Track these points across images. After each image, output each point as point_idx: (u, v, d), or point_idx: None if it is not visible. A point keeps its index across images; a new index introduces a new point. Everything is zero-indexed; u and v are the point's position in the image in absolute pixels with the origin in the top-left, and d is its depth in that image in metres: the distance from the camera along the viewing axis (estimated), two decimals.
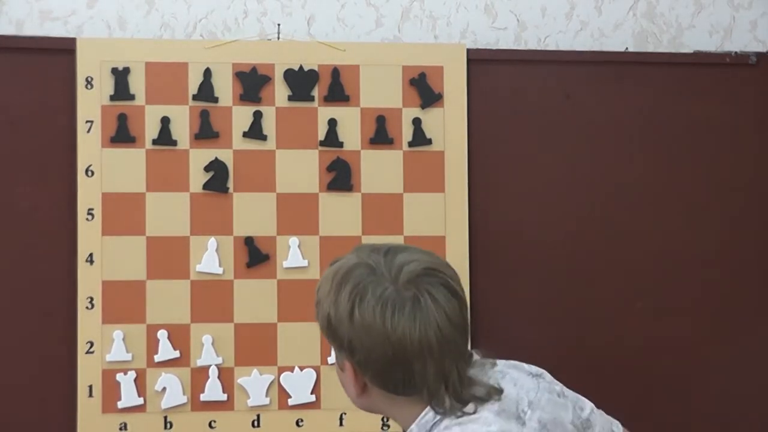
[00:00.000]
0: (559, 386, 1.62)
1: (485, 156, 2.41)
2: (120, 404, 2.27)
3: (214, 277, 2.32)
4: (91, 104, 2.30)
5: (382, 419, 2.34)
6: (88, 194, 2.29)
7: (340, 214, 2.36)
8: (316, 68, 2.37)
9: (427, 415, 1.50)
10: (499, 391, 1.52)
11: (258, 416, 2.32)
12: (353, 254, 1.54)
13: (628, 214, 2.46)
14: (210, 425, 2.30)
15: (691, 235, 2.49)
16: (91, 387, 2.27)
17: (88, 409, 2.26)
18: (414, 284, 1.47)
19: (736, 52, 2.52)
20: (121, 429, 2.27)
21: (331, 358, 2.24)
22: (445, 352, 1.46)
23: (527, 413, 1.55)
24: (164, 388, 2.29)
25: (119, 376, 2.27)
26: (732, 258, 2.49)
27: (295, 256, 2.34)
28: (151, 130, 2.32)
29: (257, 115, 2.35)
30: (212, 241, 2.32)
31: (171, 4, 2.45)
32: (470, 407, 1.48)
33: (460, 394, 1.48)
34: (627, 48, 2.56)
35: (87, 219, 2.29)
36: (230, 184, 2.33)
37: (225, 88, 2.34)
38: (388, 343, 1.44)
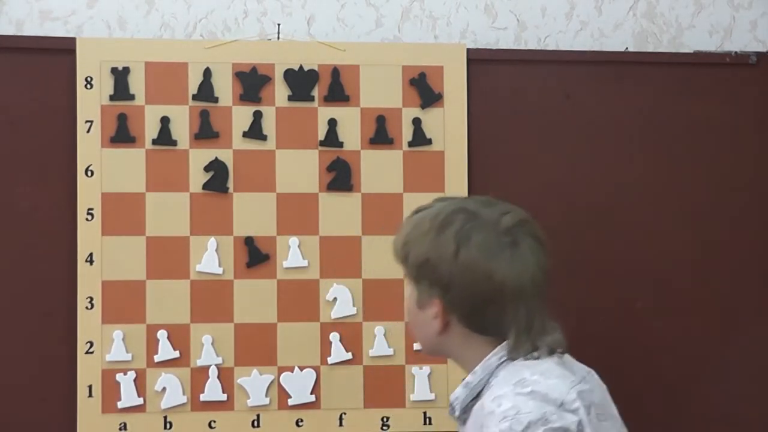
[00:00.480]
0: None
1: (485, 156, 2.41)
2: (120, 404, 2.27)
3: (214, 277, 2.32)
4: (91, 104, 2.30)
5: (382, 419, 2.34)
6: (88, 194, 2.29)
7: (340, 214, 2.36)
8: (316, 68, 2.37)
9: (493, 358, 1.60)
10: (564, 348, 1.64)
11: (258, 416, 2.32)
12: (444, 202, 1.67)
13: (628, 214, 2.46)
14: (210, 425, 2.30)
15: (691, 235, 2.49)
16: (90, 387, 2.27)
17: (87, 409, 2.26)
18: (511, 233, 1.60)
19: (736, 52, 2.51)
20: (120, 429, 2.27)
21: (407, 296, 2.29)
22: (535, 297, 1.60)
23: (586, 375, 1.65)
24: (164, 388, 2.29)
25: (119, 376, 2.27)
26: (732, 258, 2.49)
27: (295, 256, 2.34)
28: (151, 130, 2.32)
29: (257, 115, 2.35)
30: (212, 241, 2.32)
31: (171, 4, 2.45)
32: (535, 354, 1.60)
33: (537, 339, 1.60)
34: (627, 48, 2.56)
35: (87, 219, 2.29)
36: (230, 184, 2.33)
37: (225, 88, 2.34)
38: (489, 283, 1.57)
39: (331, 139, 2.37)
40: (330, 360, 2.33)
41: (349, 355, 2.34)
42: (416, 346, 1.71)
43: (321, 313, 2.34)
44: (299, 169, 2.36)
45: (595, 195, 2.46)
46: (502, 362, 1.61)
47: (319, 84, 2.37)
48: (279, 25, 2.45)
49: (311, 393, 2.33)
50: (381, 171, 2.38)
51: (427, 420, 2.36)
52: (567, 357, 1.69)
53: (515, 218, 1.63)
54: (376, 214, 2.37)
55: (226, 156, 2.34)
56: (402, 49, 2.42)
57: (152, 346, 2.29)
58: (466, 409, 1.62)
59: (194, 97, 2.33)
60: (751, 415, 2.49)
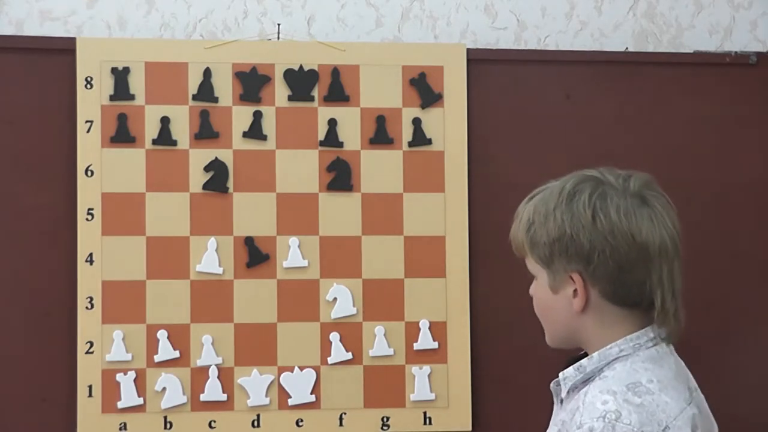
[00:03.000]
0: None
1: (485, 156, 2.41)
2: (120, 404, 2.27)
3: (214, 277, 2.32)
4: (91, 104, 2.30)
5: (382, 419, 2.34)
6: (88, 194, 2.29)
7: (340, 214, 2.36)
8: (316, 68, 2.37)
9: (614, 348, 1.56)
10: (678, 334, 1.60)
11: (258, 416, 2.32)
12: (560, 180, 1.64)
13: None
14: (210, 425, 2.30)
15: (691, 234, 2.47)
16: (90, 387, 2.27)
17: (88, 409, 2.26)
18: (640, 195, 1.59)
19: (736, 52, 2.51)
20: (120, 429, 2.27)
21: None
22: (675, 256, 1.58)
23: (694, 391, 1.61)
24: (164, 388, 2.29)
25: (119, 376, 2.27)
26: (732, 258, 2.49)
27: (295, 256, 2.34)
28: (151, 130, 2.32)
29: (257, 115, 2.35)
30: (212, 241, 2.32)
31: (171, 4, 2.45)
32: (662, 336, 1.58)
33: (679, 305, 1.57)
34: (627, 48, 2.56)
35: (87, 219, 2.29)
36: (230, 184, 2.33)
37: (225, 88, 2.34)
38: (633, 244, 1.54)
39: (331, 139, 2.37)
40: (330, 360, 2.33)
41: (349, 355, 2.34)
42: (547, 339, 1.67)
43: (321, 313, 2.34)
44: (299, 169, 2.36)
45: None
46: (622, 355, 1.57)
47: (319, 84, 2.37)
48: (279, 25, 2.45)
49: (311, 393, 2.33)
50: (381, 171, 2.38)
51: (427, 420, 2.36)
52: (676, 357, 1.67)
53: (641, 180, 1.63)
54: (376, 214, 2.37)
55: (226, 156, 2.34)
56: (402, 49, 2.42)
57: (152, 346, 2.29)
58: (570, 391, 1.59)
59: (194, 97, 2.33)
60: (752, 415, 2.49)
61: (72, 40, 2.31)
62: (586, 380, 1.57)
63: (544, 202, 1.63)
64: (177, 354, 2.29)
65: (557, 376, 1.63)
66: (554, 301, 1.62)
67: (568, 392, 1.59)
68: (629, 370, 1.55)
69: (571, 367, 1.61)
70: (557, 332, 1.67)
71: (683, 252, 2.44)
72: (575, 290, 1.57)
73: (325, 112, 2.37)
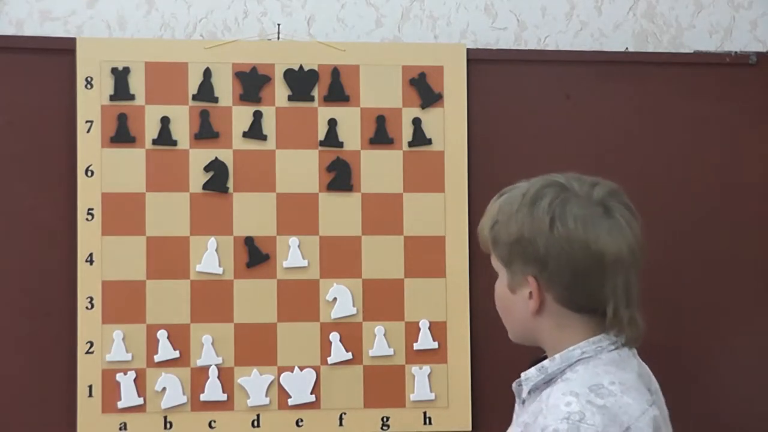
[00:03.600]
0: None
1: (485, 156, 2.41)
2: (120, 404, 2.27)
3: (214, 277, 2.32)
4: (91, 104, 2.30)
5: (382, 419, 2.34)
6: (88, 194, 2.29)
7: (340, 214, 2.36)
8: (316, 68, 2.37)
9: (576, 350, 1.57)
10: (639, 339, 1.60)
11: (258, 416, 2.32)
12: (529, 182, 1.64)
13: None
14: (210, 425, 2.30)
15: (691, 235, 2.49)
16: (91, 387, 2.27)
17: (88, 409, 2.26)
18: (603, 203, 1.58)
19: (736, 52, 2.51)
20: (121, 429, 2.27)
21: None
22: (632, 266, 1.56)
23: (654, 393, 1.63)
24: (164, 388, 2.29)
25: (119, 376, 2.27)
26: (732, 258, 2.49)
27: (295, 256, 2.34)
28: (151, 130, 2.32)
29: (257, 115, 2.35)
30: (212, 241, 2.32)
31: (171, 4, 2.45)
32: (621, 341, 1.58)
33: (635, 313, 1.57)
34: (627, 48, 2.56)
35: (87, 219, 2.29)
36: (230, 184, 2.33)
37: (225, 88, 2.34)
38: (587, 254, 1.54)
39: (331, 139, 2.37)
40: (330, 360, 2.33)
41: (349, 355, 2.34)
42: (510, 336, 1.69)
43: (321, 313, 2.34)
44: (299, 169, 2.36)
45: None
46: (584, 357, 1.58)
47: (319, 84, 2.37)
48: (279, 25, 2.45)
49: (311, 393, 2.33)
50: (381, 171, 2.38)
51: (427, 420, 2.36)
52: (638, 360, 1.68)
53: (606, 189, 1.62)
54: (376, 214, 2.37)
55: (226, 156, 2.34)
56: (402, 49, 2.42)
57: (152, 346, 2.29)
58: (532, 392, 1.60)
59: (194, 97, 2.33)
60: (752, 415, 2.49)
61: (72, 40, 2.31)
62: (548, 381, 1.58)
63: (509, 203, 1.63)
64: (177, 354, 2.29)
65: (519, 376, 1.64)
66: (512, 300, 1.64)
67: (529, 393, 1.60)
68: (591, 372, 1.55)
69: (533, 368, 1.62)
70: (515, 330, 1.69)
71: (683, 254, 2.46)
72: (531, 292, 1.58)
73: (325, 112, 2.37)
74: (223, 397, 2.30)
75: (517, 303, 1.62)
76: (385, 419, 2.34)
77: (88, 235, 2.29)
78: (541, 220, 1.57)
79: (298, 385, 2.33)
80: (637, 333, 1.59)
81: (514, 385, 1.67)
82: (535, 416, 1.53)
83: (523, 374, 1.64)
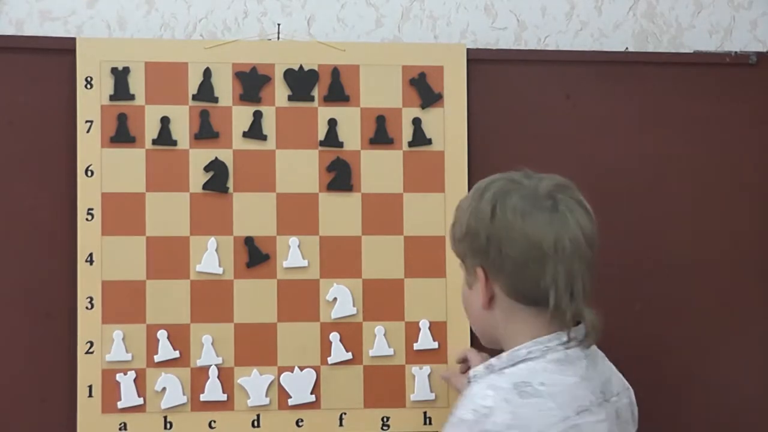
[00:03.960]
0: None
1: (485, 156, 2.41)
2: (120, 404, 2.27)
3: (213, 277, 2.32)
4: (90, 104, 2.30)
5: (382, 419, 2.34)
6: (88, 194, 2.29)
7: (340, 214, 2.36)
8: (316, 68, 2.37)
9: (522, 350, 1.59)
10: (594, 338, 1.62)
11: (258, 416, 2.32)
12: (487, 178, 1.71)
13: (627, 215, 2.46)
14: (210, 425, 2.30)
15: (691, 235, 2.49)
16: (90, 387, 2.27)
17: (87, 409, 2.26)
18: (551, 196, 1.63)
19: (736, 52, 2.51)
20: (120, 429, 2.27)
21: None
22: (575, 258, 1.59)
23: (613, 396, 1.65)
24: (164, 388, 2.29)
25: (119, 376, 2.27)
26: (732, 258, 2.49)
27: (294, 256, 2.34)
28: (151, 130, 2.32)
29: (257, 115, 2.35)
30: (212, 241, 2.32)
31: (171, 4, 2.45)
32: (572, 343, 1.59)
33: (580, 307, 1.59)
34: (627, 48, 2.56)
35: (87, 219, 2.29)
36: (230, 184, 2.33)
37: (225, 88, 2.34)
38: (525, 240, 1.57)
39: (331, 139, 2.37)
40: (330, 360, 2.33)
41: (349, 355, 2.34)
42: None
43: (321, 313, 2.34)
44: (299, 169, 2.36)
45: (594, 195, 2.45)
46: (530, 357, 1.59)
47: (319, 84, 2.37)
48: (279, 25, 2.45)
49: (311, 393, 2.33)
50: (381, 171, 2.38)
51: (427, 420, 2.36)
52: (603, 360, 1.68)
53: (554, 182, 1.66)
54: (376, 214, 2.37)
55: (226, 156, 2.34)
56: (402, 49, 2.42)
57: (152, 346, 2.29)
58: None
59: (194, 97, 2.33)
60: (752, 415, 2.49)
61: (72, 40, 2.31)
62: None
63: (463, 201, 1.71)
64: (177, 354, 2.29)
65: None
66: (470, 297, 1.69)
67: None
68: (529, 369, 1.57)
69: (481, 365, 1.64)
70: (477, 329, 1.72)
71: (683, 254, 2.46)
72: (482, 283, 1.63)
73: (325, 112, 2.37)
74: (223, 397, 2.30)
75: (473, 299, 1.66)
76: (385, 419, 2.34)
77: (88, 235, 2.29)
78: (484, 211, 1.63)
79: (298, 385, 2.32)
80: (593, 330, 1.61)
81: (465, 381, 1.68)
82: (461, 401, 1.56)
83: (471, 371, 1.66)
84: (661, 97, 2.47)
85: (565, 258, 1.57)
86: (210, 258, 2.32)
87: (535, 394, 1.53)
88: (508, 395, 1.52)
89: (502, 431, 1.48)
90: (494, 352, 1.71)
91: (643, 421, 2.41)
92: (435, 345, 2.36)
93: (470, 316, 1.74)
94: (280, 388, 2.32)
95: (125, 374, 2.28)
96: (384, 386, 2.35)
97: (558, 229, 1.58)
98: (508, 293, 1.62)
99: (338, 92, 2.37)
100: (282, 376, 2.32)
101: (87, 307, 2.28)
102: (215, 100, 2.34)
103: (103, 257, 2.29)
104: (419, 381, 2.35)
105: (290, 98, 2.36)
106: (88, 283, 2.28)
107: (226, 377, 2.31)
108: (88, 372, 2.27)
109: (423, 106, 2.39)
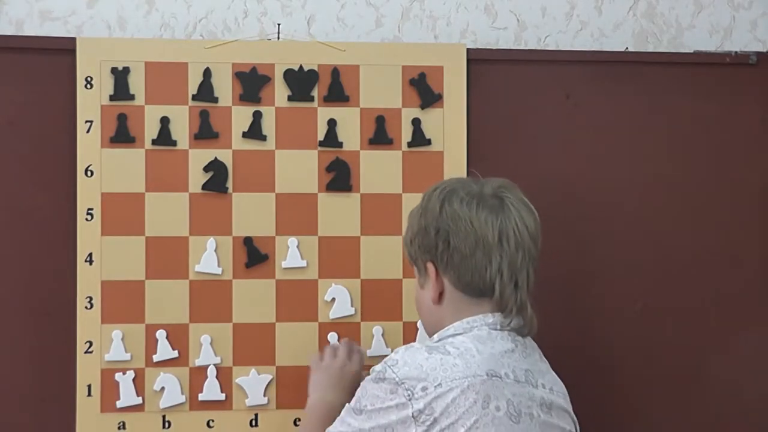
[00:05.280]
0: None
1: (485, 156, 2.41)
2: (119, 404, 2.27)
3: (212, 277, 2.32)
4: (90, 104, 2.30)
5: None
6: (87, 194, 2.29)
7: (340, 215, 2.36)
8: (316, 68, 2.37)
9: (450, 329, 1.70)
10: (529, 330, 1.72)
11: (256, 416, 2.32)
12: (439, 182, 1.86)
13: (628, 214, 2.46)
14: (208, 424, 2.30)
15: (692, 235, 2.48)
16: (89, 386, 2.27)
17: (86, 409, 2.27)
18: (497, 195, 1.75)
19: (736, 52, 2.51)
20: (119, 428, 2.28)
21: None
22: (519, 250, 1.70)
23: (543, 388, 1.72)
24: (163, 388, 2.29)
25: (118, 376, 2.28)
26: (732, 259, 2.49)
27: (294, 256, 2.34)
28: (151, 130, 2.32)
29: (257, 115, 2.35)
30: (211, 242, 2.32)
31: (171, 4, 2.45)
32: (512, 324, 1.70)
33: (524, 298, 1.69)
34: (627, 48, 2.56)
35: (86, 219, 2.29)
36: (229, 184, 2.33)
37: (225, 88, 2.34)
38: (471, 230, 1.69)
39: (331, 139, 2.37)
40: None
41: None
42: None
43: (319, 313, 2.34)
44: (299, 170, 2.36)
45: (595, 195, 2.46)
46: (456, 333, 1.69)
47: (319, 84, 2.37)
48: (279, 25, 2.45)
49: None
50: (380, 171, 2.38)
51: None
52: (540, 357, 1.75)
53: (498, 182, 1.78)
54: (375, 214, 2.36)
55: (225, 156, 2.34)
56: (402, 49, 2.42)
57: (151, 345, 2.29)
58: None
59: (194, 97, 2.34)
60: (752, 415, 2.49)
61: (72, 40, 2.31)
62: None
63: (414, 207, 1.85)
64: (176, 354, 2.30)
65: None
66: (421, 295, 1.78)
67: None
68: (448, 341, 1.68)
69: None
70: (427, 326, 1.82)
71: (683, 254, 2.46)
72: (432, 279, 1.74)
73: (324, 113, 2.37)
74: (222, 396, 2.30)
75: (425, 297, 1.75)
76: None
77: (88, 235, 2.29)
78: (433, 207, 1.75)
79: (298, 384, 2.32)
80: (529, 320, 1.70)
81: None
82: None
83: None
84: (661, 97, 2.47)
85: (510, 249, 1.68)
86: (209, 258, 2.32)
87: (443, 352, 1.63)
88: (416, 353, 1.63)
89: (400, 379, 1.59)
90: None
91: (643, 422, 2.42)
92: None
93: (421, 314, 1.83)
94: (279, 387, 2.32)
95: (124, 374, 2.28)
96: None
97: (503, 220, 1.70)
98: (456, 285, 1.71)
99: (338, 92, 2.37)
100: (281, 376, 2.32)
101: (86, 307, 2.28)
102: (215, 100, 2.34)
103: (102, 257, 2.29)
104: None
105: (290, 98, 2.36)
106: (87, 282, 2.28)
107: (224, 377, 2.31)
108: (87, 371, 2.27)
109: (423, 107, 2.39)
